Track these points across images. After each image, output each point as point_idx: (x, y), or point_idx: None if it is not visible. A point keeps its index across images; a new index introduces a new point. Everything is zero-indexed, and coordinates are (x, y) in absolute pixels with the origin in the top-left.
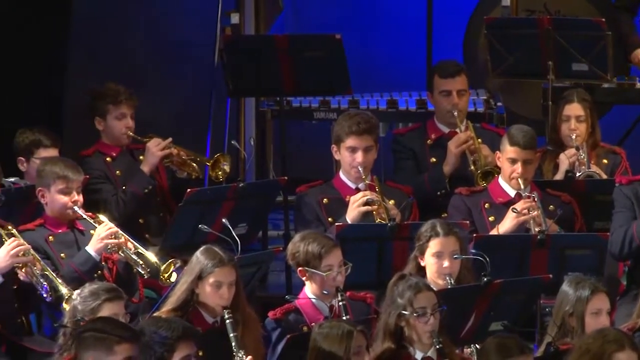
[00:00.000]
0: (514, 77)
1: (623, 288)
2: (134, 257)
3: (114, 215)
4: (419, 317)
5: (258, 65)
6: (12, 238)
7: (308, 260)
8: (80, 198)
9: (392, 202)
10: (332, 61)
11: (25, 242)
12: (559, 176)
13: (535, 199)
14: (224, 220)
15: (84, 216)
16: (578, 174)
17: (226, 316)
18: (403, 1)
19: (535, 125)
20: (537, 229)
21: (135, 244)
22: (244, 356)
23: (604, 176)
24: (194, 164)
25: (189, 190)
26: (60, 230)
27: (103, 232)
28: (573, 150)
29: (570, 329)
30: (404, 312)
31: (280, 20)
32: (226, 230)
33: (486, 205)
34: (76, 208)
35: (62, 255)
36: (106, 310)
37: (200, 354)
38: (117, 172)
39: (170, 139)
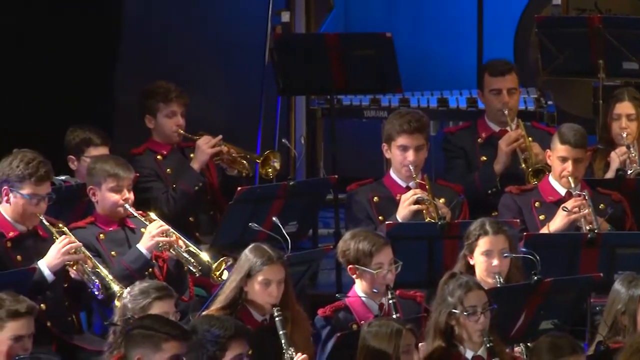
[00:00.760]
0: (565, 75)
1: None
2: (185, 255)
3: (164, 213)
4: (470, 315)
5: (309, 63)
6: (63, 236)
7: (358, 258)
8: (131, 196)
9: (442, 200)
10: (383, 59)
11: (76, 240)
12: (610, 174)
13: (586, 198)
14: (274, 218)
15: (135, 214)
16: (629, 172)
17: (275, 314)
18: None
19: (586, 123)
20: (587, 228)
21: (187, 241)
22: (294, 353)
23: None
24: (245, 162)
25: (239, 188)
26: (111, 228)
27: (154, 230)
28: (624, 149)
29: (622, 327)
30: (454, 310)
31: (331, 18)
32: (276, 229)
33: (536, 204)
34: (127, 206)
35: (112, 253)
36: (156, 309)
37: (250, 352)
38: (168, 170)
39: (220, 137)
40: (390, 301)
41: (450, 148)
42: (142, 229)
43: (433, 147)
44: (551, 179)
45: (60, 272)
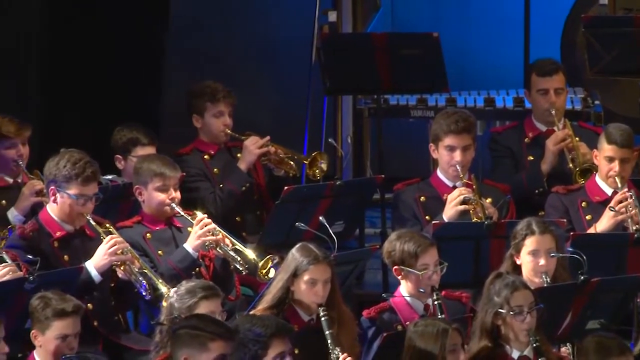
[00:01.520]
0: (612, 75)
1: None
2: (232, 253)
3: (211, 213)
4: (516, 315)
5: (355, 63)
6: (110, 236)
7: (404, 259)
8: (178, 195)
9: (489, 200)
10: (430, 59)
11: (123, 240)
12: None
13: (633, 197)
14: (320, 218)
15: (182, 213)
16: None
17: (321, 314)
18: None
19: (633, 123)
20: (634, 228)
21: (233, 240)
22: (340, 354)
23: None
24: (292, 162)
25: (286, 188)
26: (157, 228)
27: (200, 229)
28: None
29: None
30: (500, 310)
31: (378, 18)
32: (323, 228)
33: (583, 204)
34: (174, 205)
35: (159, 252)
36: (203, 308)
37: (296, 351)
38: (215, 170)
39: (267, 137)
40: (436, 302)
41: (497, 148)
42: (189, 228)
43: (480, 146)
44: (598, 179)
45: (107, 272)
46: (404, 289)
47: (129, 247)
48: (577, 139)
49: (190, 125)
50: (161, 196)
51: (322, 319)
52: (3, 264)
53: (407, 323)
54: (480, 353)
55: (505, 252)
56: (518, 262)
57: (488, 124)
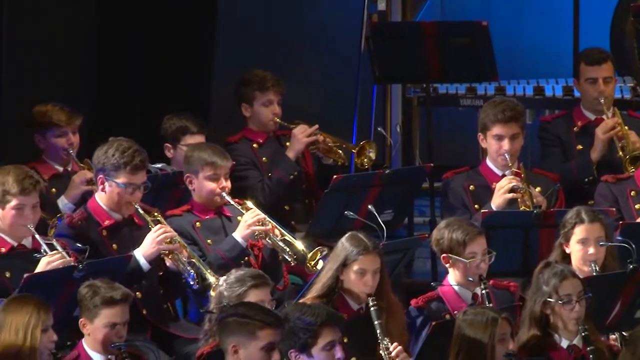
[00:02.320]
0: None
1: None
2: (281, 244)
3: (259, 201)
4: (565, 304)
5: (404, 52)
6: (159, 225)
7: (452, 247)
8: (229, 184)
9: (538, 189)
10: (479, 48)
11: (171, 229)
12: None
13: None
14: (369, 206)
15: (232, 202)
16: None
17: (371, 304)
18: None
19: None
20: None
21: (283, 230)
22: (389, 343)
23: None
24: (340, 151)
25: (334, 176)
26: (207, 217)
27: (250, 219)
28: None
29: None
30: (549, 299)
31: (427, 6)
32: (372, 217)
33: (632, 193)
34: (224, 194)
35: (208, 241)
36: (252, 297)
37: (345, 340)
38: (264, 158)
39: (316, 126)
40: (484, 291)
41: (546, 136)
42: (239, 217)
43: (529, 135)
44: None
45: (156, 260)
46: (452, 277)
47: (177, 236)
48: (626, 127)
49: (239, 114)
50: (212, 185)
51: (372, 309)
52: (54, 252)
53: (455, 312)
54: (529, 342)
55: (554, 241)
56: (567, 251)
57: (537, 113)
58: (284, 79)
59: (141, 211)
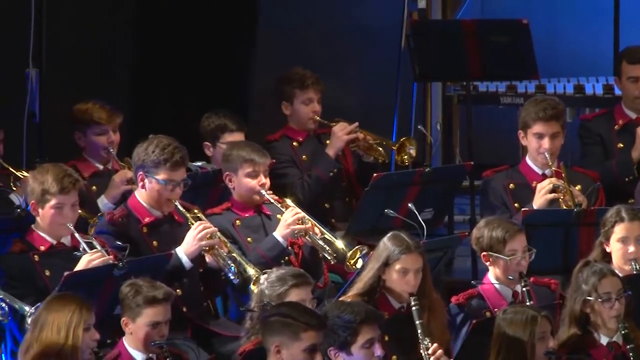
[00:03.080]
0: None
1: None
2: (321, 242)
3: (299, 199)
4: (604, 302)
5: (445, 50)
6: (199, 222)
7: (492, 245)
8: (267, 181)
9: (578, 187)
10: (519, 46)
11: (211, 225)
12: None
13: None
14: (409, 205)
15: (271, 200)
16: None
17: (412, 303)
18: None
19: None
20: None
21: (322, 229)
22: (429, 344)
23: None
24: (380, 148)
25: (375, 174)
26: (247, 215)
27: (290, 218)
28: None
29: None
30: (588, 298)
31: (467, 4)
32: (412, 215)
33: None
34: (263, 192)
35: (248, 239)
36: (293, 296)
37: (386, 338)
38: (304, 156)
39: (356, 124)
40: (524, 289)
41: (587, 135)
42: (278, 215)
43: (569, 134)
44: None
45: (197, 258)
46: (493, 275)
47: (218, 232)
48: None
49: (278, 112)
50: (251, 182)
51: (413, 308)
52: (94, 250)
53: (496, 310)
54: (569, 340)
55: (594, 240)
56: (607, 250)
57: (578, 111)
58: (324, 77)
59: (181, 208)
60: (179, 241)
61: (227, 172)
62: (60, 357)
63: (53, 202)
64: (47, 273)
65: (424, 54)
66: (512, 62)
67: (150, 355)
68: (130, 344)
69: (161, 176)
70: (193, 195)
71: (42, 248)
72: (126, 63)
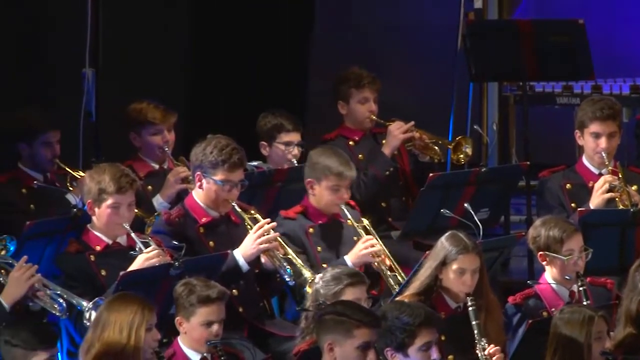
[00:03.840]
0: None
1: None
2: (388, 274)
3: (356, 198)
4: None
5: (501, 50)
6: (258, 225)
7: (549, 244)
8: (348, 195)
9: (634, 187)
10: (575, 46)
11: (271, 229)
12: None
13: None
14: (465, 204)
15: (349, 216)
16: None
17: (469, 303)
18: None
19: None
20: None
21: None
22: (486, 344)
23: None
24: (436, 148)
25: (431, 174)
26: (320, 221)
27: (363, 248)
28: None
29: None
30: None
31: (524, 4)
32: (468, 215)
33: None
34: (342, 207)
35: (318, 248)
36: (348, 295)
37: (442, 338)
38: (360, 155)
39: (412, 123)
40: (581, 288)
41: None
42: (349, 221)
43: (625, 133)
44: None
45: (254, 260)
46: (549, 275)
47: (277, 236)
48: None
49: (335, 111)
50: (332, 196)
51: (470, 308)
52: (152, 247)
53: (552, 309)
54: (625, 340)
55: None
56: None
57: (634, 111)
58: (381, 77)
59: (238, 209)
60: (235, 242)
61: (310, 179)
62: (122, 357)
63: (110, 201)
64: (103, 273)
65: (480, 54)
66: (568, 62)
67: (205, 354)
68: (184, 344)
69: (219, 177)
70: (249, 195)
71: (98, 248)
72: (181, 62)
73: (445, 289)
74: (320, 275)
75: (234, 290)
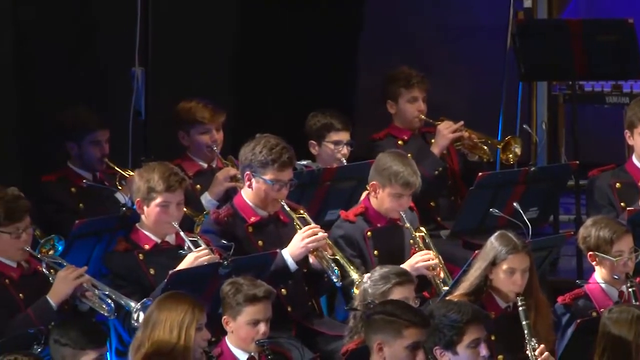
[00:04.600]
0: None
1: None
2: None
3: None
4: None
5: (550, 49)
6: (308, 226)
7: (599, 245)
8: (409, 203)
9: None
10: (625, 45)
11: (318, 228)
12: None
13: None
14: (515, 204)
15: (407, 223)
16: None
17: (519, 303)
18: None
19: None
20: None
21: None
22: (536, 344)
23: None
24: (485, 147)
25: (480, 174)
26: (379, 224)
27: (419, 259)
28: None
29: None
30: None
31: (573, 4)
32: (517, 214)
33: None
34: (402, 214)
35: (375, 252)
36: (396, 294)
37: (492, 338)
38: (409, 155)
39: (461, 122)
40: (630, 289)
41: None
42: (407, 225)
43: None
44: None
45: (302, 260)
46: (599, 275)
47: (325, 236)
48: None
49: (384, 111)
50: (393, 203)
51: (520, 308)
52: (202, 247)
53: (602, 310)
54: None
55: None
56: None
57: None
58: (430, 76)
59: (287, 208)
60: (284, 241)
61: (374, 182)
62: (172, 356)
63: (159, 200)
64: (152, 271)
65: (529, 54)
66: (617, 61)
67: (252, 353)
68: (232, 343)
69: (268, 176)
70: (298, 194)
71: (147, 247)
72: (230, 61)
73: (495, 289)
74: (369, 274)
75: (282, 290)
